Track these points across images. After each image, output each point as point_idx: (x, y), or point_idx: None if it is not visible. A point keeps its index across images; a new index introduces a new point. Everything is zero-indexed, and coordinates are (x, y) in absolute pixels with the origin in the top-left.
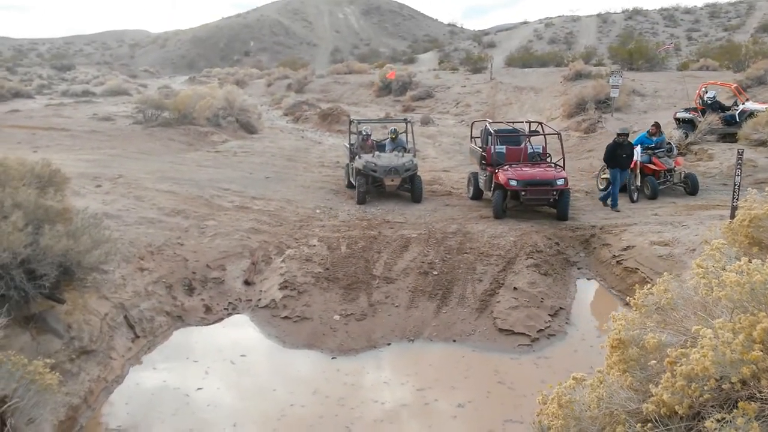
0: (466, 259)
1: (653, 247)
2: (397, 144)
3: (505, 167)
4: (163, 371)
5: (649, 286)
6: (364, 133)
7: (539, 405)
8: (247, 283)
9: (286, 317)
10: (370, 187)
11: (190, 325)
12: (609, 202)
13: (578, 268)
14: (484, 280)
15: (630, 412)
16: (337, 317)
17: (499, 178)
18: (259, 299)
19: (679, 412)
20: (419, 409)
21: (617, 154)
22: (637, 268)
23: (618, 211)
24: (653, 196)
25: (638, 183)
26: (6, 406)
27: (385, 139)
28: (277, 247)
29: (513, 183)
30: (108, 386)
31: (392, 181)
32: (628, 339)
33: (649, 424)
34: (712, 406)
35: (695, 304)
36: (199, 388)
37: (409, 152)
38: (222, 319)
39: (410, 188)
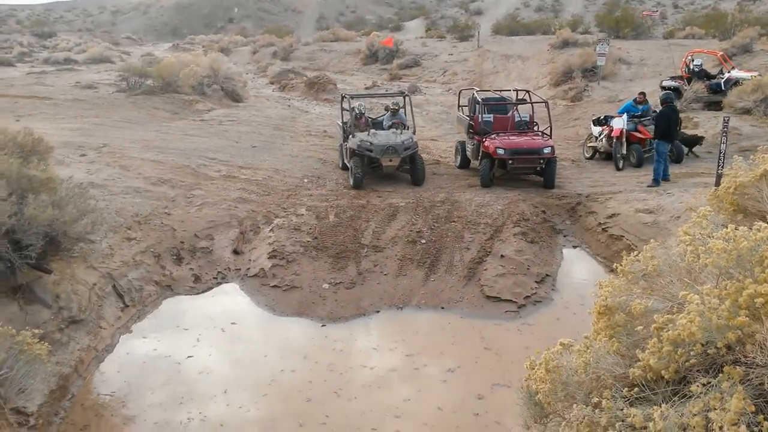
0: (453, 228)
1: (638, 215)
2: (395, 119)
3: (493, 136)
4: (153, 340)
5: (635, 253)
6: (357, 111)
7: (527, 370)
8: (235, 252)
9: (275, 286)
10: (366, 168)
11: (180, 294)
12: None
13: (564, 236)
14: (472, 248)
15: (617, 376)
16: (326, 285)
17: (487, 147)
18: (248, 268)
19: (665, 377)
20: (408, 374)
21: (672, 121)
22: (622, 236)
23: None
24: (639, 164)
25: (624, 151)
26: None
27: (381, 116)
28: (266, 217)
29: (500, 151)
30: (98, 355)
31: (390, 161)
32: (614, 305)
33: (636, 389)
34: (697, 371)
35: (681, 271)
36: (190, 356)
37: (408, 129)
38: (211, 288)
39: (410, 169)
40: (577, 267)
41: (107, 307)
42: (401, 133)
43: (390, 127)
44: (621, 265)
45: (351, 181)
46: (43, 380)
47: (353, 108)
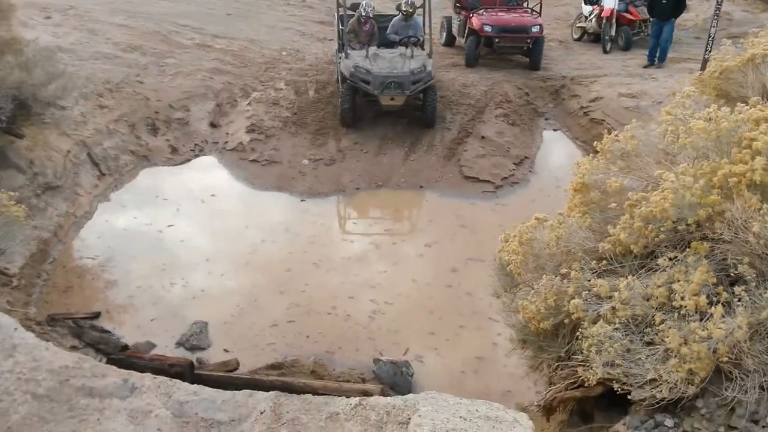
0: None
1: (621, 99)
2: (408, 28)
3: (480, 11)
4: (132, 209)
5: (616, 132)
6: (363, 13)
7: (501, 243)
8: (212, 125)
9: (254, 160)
10: (360, 100)
11: (157, 165)
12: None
13: (546, 119)
14: (453, 128)
15: (587, 250)
16: (305, 162)
17: (473, 24)
18: (226, 142)
19: (633, 251)
20: (387, 248)
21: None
22: (603, 120)
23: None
24: (627, 47)
25: (612, 33)
26: None
27: (387, 18)
28: (242, 90)
29: (487, 29)
30: (77, 221)
31: (392, 100)
32: (590, 183)
33: (604, 262)
34: (665, 246)
35: (659, 152)
36: (170, 225)
37: (423, 50)
38: (189, 160)
39: (421, 106)
40: (556, 150)
41: (83, 174)
42: (412, 57)
43: (400, 42)
44: (601, 144)
45: (339, 118)
46: (23, 243)
47: (359, 5)
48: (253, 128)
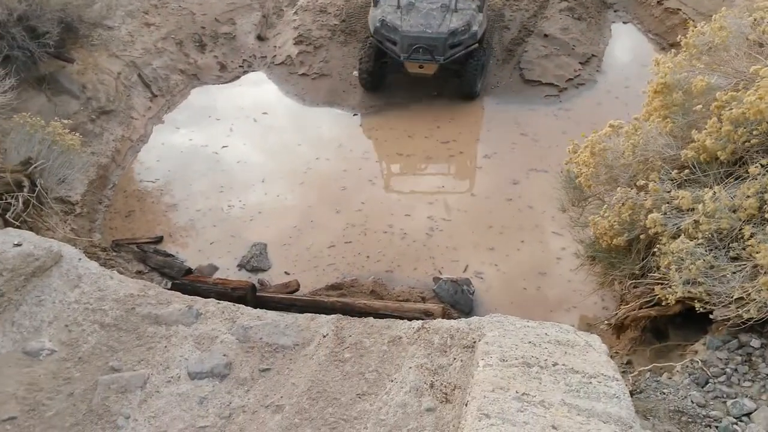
0: (492, 5)
1: None
2: None
3: None
4: (186, 130)
5: (702, 23)
6: None
7: (569, 154)
8: (260, 38)
9: (303, 74)
10: (381, 65)
11: (207, 84)
12: None
13: (615, 11)
14: (512, 27)
15: (666, 159)
16: (356, 73)
17: None
18: (275, 56)
19: (720, 158)
20: (444, 160)
21: None
22: (678, 9)
23: None
24: None
25: None
26: (32, 167)
27: None
28: None
29: None
30: (134, 145)
31: (420, 67)
32: (673, 83)
33: (686, 171)
34: (757, 152)
35: (751, 45)
36: (225, 146)
37: (465, 9)
38: (238, 77)
39: (460, 75)
40: (627, 46)
41: (135, 97)
42: (455, 12)
43: None
44: (685, 38)
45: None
46: (81, 170)
47: None
48: (301, 39)
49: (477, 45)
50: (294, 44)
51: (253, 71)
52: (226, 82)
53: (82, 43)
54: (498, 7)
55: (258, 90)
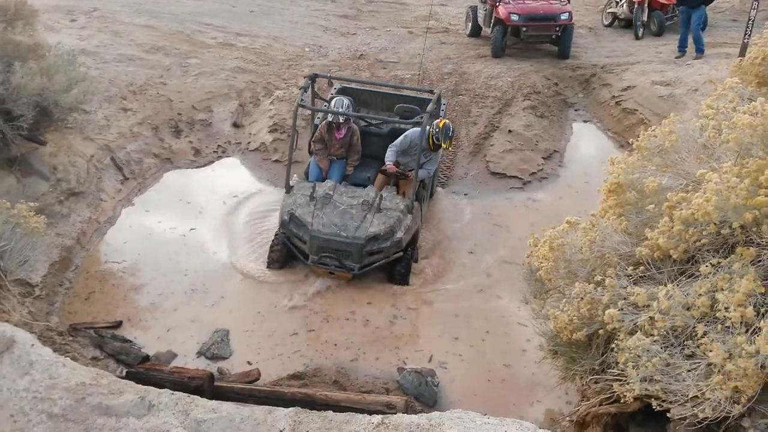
0: (461, 102)
1: (654, 87)
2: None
3: (507, 0)
4: (155, 213)
5: (652, 127)
6: (331, 118)
7: (530, 247)
8: (235, 125)
9: (276, 160)
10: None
11: (180, 168)
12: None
13: (576, 110)
14: (479, 123)
15: (622, 255)
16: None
17: (500, 13)
18: (249, 142)
19: (673, 257)
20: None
21: None
22: (636, 109)
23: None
24: (659, 33)
25: (645, 18)
26: None
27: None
28: (265, 88)
29: (514, 18)
30: (100, 227)
31: (331, 273)
32: (626, 183)
33: (641, 268)
34: (707, 251)
35: (699, 148)
36: (192, 229)
37: (390, 208)
38: (212, 162)
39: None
40: (587, 142)
41: (107, 179)
42: (379, 211)
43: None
44: (637, 140)
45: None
46: (44, 252)
47: (327, 95)
48: (276, 128)
49: (399, 252)
50: (269, 132)
51: (227, 156)
52: (200, 167)
53: (56, 126)
54: (465, 104)
55: (231, 175)
